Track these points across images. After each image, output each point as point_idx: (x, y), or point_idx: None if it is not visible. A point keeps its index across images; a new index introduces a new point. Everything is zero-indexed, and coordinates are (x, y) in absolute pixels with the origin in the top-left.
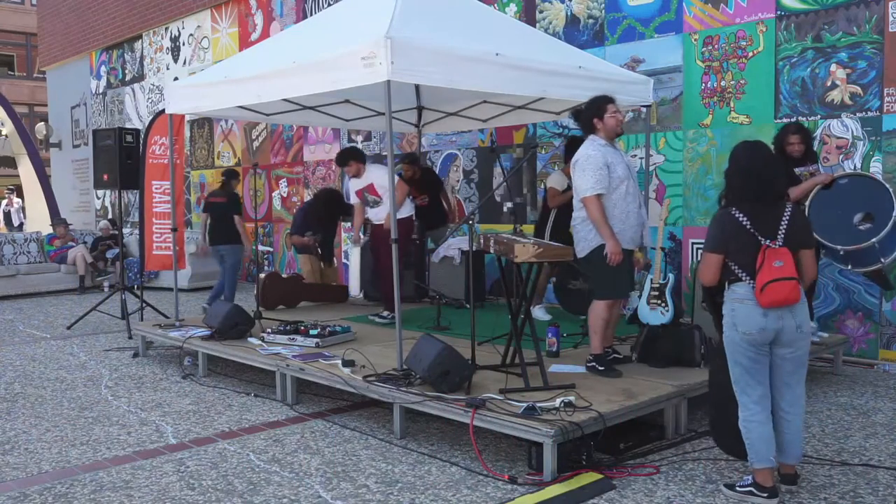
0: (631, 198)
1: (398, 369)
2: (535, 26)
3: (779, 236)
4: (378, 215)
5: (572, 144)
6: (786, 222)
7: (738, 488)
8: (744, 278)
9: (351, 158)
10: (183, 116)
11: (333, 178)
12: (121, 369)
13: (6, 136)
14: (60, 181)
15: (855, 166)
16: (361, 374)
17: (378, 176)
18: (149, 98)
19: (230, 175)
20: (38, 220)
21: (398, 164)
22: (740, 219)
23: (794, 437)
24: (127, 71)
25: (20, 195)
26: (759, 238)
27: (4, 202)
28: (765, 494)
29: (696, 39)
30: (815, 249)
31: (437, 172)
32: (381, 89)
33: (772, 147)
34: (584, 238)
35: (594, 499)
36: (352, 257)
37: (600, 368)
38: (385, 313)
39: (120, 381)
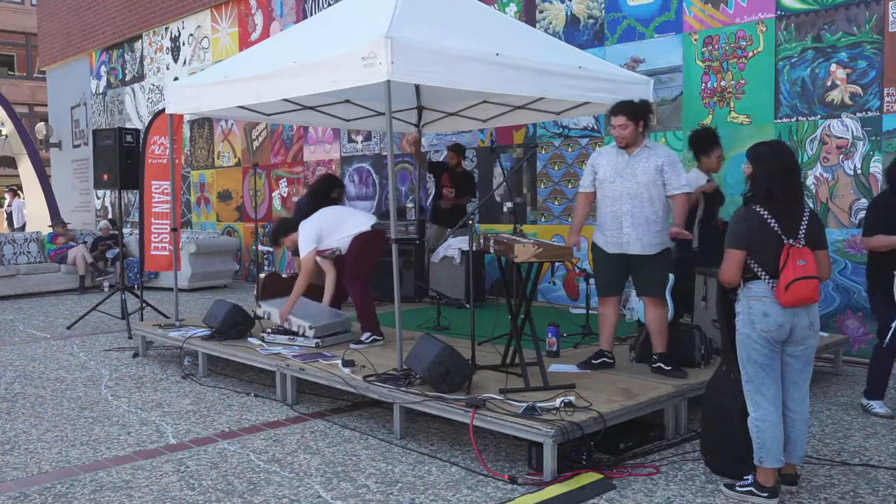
0: (609, 202)
1: (398, 369)
2: (535, 26)
3: (800, 236)
4: (340, 244)
5: (696, 139)
6: (805, 222)
7: (738, 488)
8: (762, 276)
9: (280, 236)
10: (182, 116)
11: None
12: (121, 369)
13: (6, 136)
14: (60, 181)
15: (855, 166)
16: (361, 374)
17: (302, 240)
18: (149, 98)
19: None
20: (38, 220)
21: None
22: (765, 216)
23: (799, 435)
24: (127, 71)
25: (21, 195)
26: (783, 237)
27: (5, 202)
28: (765, 494)
29: (696, 39)
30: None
31: (474, 181)
32: (381, 89)
33: (884, 179)
34: None
35: (594, 499)
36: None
37: (592, 362)
38: (365, 336)
39: (120, 381)
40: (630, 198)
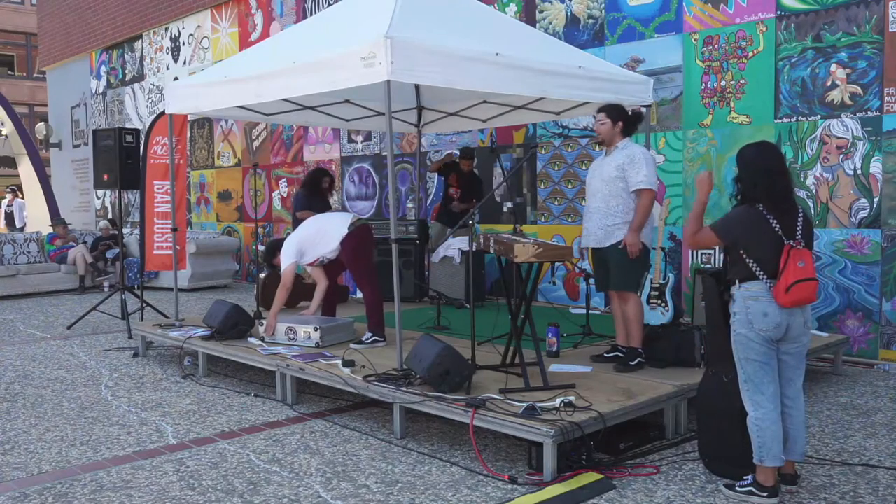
0: (587, 200)
1: (398, 369)
2: (535, 26)
3: (798, 237)
4: (325, 252)
5: None
6: (800, 223)
7: (737, 488)
8: (760, 276)
9: (272, 258)
10: (185, 117)
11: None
12: (121, 369)
13: (6, 136)
14: (60, 181)
15: (855, 166)
16: (361, 374)
17: (283, 255)
18: (149, 98)
19: None
20: (38, 220)
21: (458, 158)
22: (767, 216)
23: (798, 431)
24: (127, 71)
25: (21, 195)
26: (784, 238)
27: (5, 202)
28: (765, 494)
29: (696, 39)
30: None
31: (482, 185)
32: (381, 89)
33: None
34: None
35: (594, 499)
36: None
37: (604, 356)
38: (367, 336)
39: (120, 381)
40: (591, 194)
